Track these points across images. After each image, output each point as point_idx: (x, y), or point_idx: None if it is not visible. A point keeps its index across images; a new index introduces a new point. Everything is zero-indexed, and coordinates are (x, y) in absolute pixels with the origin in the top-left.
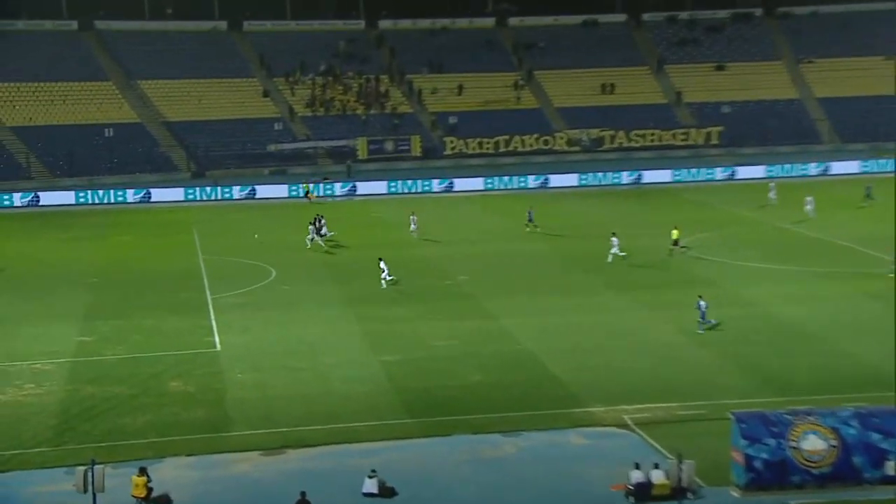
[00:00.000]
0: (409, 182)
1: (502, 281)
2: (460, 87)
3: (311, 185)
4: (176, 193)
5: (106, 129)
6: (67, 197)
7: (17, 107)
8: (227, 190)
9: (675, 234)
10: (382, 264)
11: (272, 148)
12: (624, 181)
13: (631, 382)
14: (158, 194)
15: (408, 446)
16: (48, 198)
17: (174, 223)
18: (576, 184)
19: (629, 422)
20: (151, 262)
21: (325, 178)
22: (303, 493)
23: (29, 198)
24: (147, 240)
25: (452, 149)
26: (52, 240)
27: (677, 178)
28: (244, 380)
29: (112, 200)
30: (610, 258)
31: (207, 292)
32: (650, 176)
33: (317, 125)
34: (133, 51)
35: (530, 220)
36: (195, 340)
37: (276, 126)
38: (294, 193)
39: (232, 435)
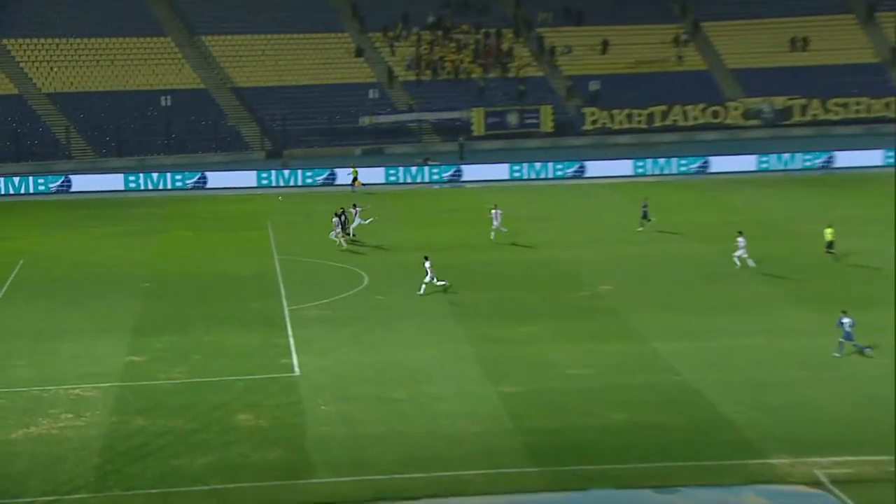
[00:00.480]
0: (538, 166)
1: (652, 292)
2: (604, 44)
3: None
4: (247, 178)
5: (162, 98)
6: (114, 181)
7: (55, 69)
8: (309, 174)
9: (828, 234)
10: (428, 264)
11: (365, 121)
12: (815, 164)
13: (826, 428)
14: (225, 179)
15: (532, 503)
16: (91, 182)
17: (244, 215)
18: (753, 168)
19: (823, 479)
20: (216, 263)
21: (427, 161)
22: None
23: (59, 182)
24: (211, 235)
25: (593, 123)
26: (95, 234)
27: (889, 160)
28: (328, 413)
29: (168, 186)
30: (737, 263)
31: (284, 302)
32: (849, 158)
33: (422, 92)
34: (196, 0)
35: (645, 217)
36: (268, 362)
37: (371, 93)
38: (393, 179)
39: (312, 482)
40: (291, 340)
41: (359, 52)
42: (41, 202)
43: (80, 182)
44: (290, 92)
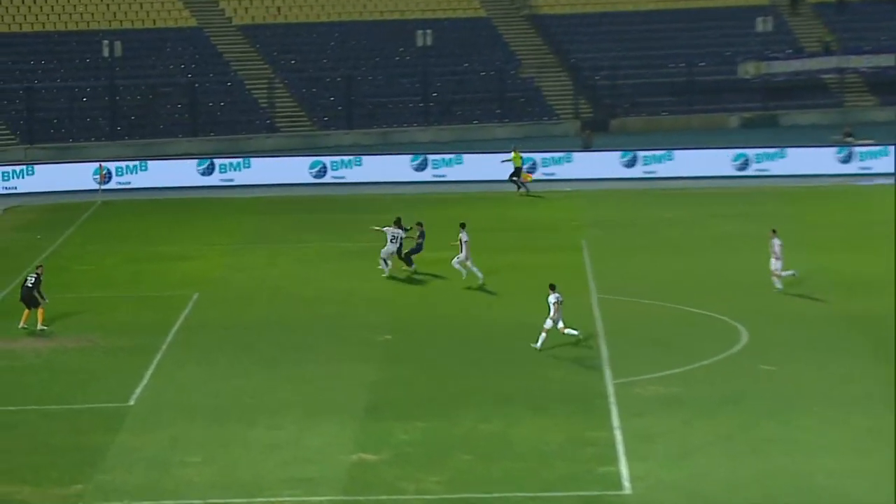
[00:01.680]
0: None
1: None
2: None
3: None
4: (558, 165)
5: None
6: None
7: None
8: (654, 159)
9: None
10: (553, 297)
11: (748, 71)
12: None
13: None
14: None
15: None
16: (295, 169)
17: (545, 225)
18: None
19: None
20: (494, 304)
21: (847, 136)
22: None
23: (252, 168)
24: (490, 258)
25: None
26: (312, 253)
27: None
28: None
29: (429, 177)
30: (776, 283)
31: (606, 371)
32: None
33: (846, 24)
34: None
35: None
36: (580, 471)
37: (760, 25)
38: (786, 168)
39: None
40: (618, 435)
41: None
42: (230, 200)
43: (282, 168)
44: (612, 34)
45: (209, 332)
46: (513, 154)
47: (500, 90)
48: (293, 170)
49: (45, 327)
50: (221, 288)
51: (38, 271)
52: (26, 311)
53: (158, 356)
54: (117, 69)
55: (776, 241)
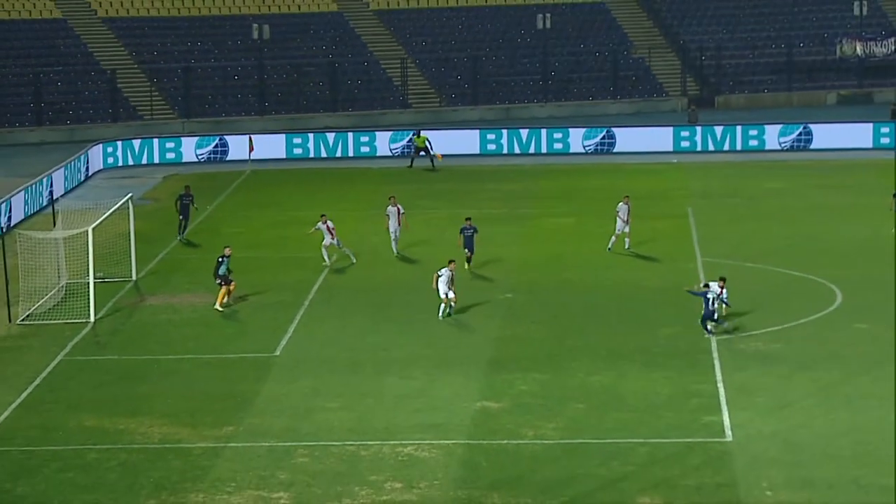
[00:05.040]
0: None
1: None
2: None
3: None
4: (658, 137)
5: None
6: (466, 140)
7: None
8: (754, 132)
9: None
10: (714, 288)
11: (845, 51)
12: None
13: None
14: (632, 138)
15: None
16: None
17: (655, 194)
18: None
19: None
20: (610, 266)
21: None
22: None
23: (394, 142)
24: (602, 225)
25: None
26: (436, 219)
27: None
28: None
29: (544, 149)
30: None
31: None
32: None
33: None
34: None
35: None
36: (685, 420)
37: (856, 8)
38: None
39: None
40: (721, 388)
41: None
42: (364, 170)
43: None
44: (717, 6)
45: (345, 291)
46: (416, 137)
47: (613, 69)
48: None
49: (221, 308)
50: (356, 251)
51: (227, 252)
52: (222, 289)
53: (301, 312)
54: (265, 50)
55: (624, 206)
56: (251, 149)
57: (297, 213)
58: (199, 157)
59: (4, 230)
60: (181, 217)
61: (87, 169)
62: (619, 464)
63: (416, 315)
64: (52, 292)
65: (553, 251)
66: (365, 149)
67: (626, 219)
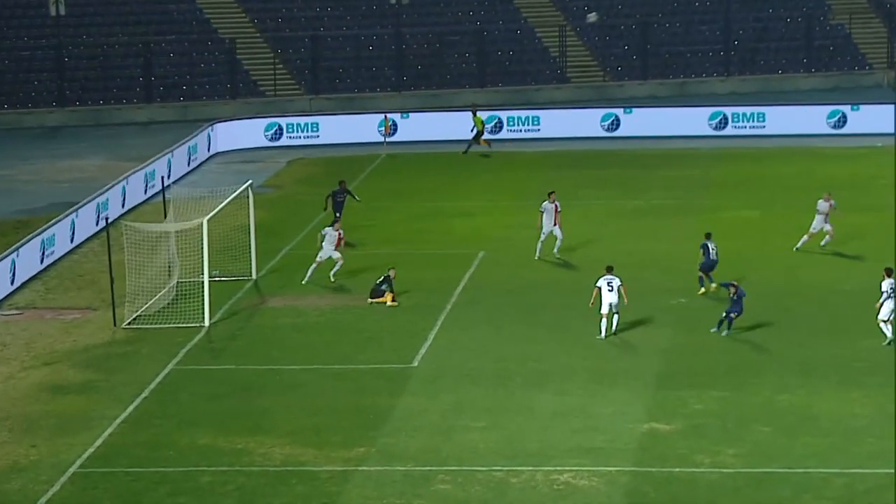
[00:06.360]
0: None
1: None
2: None
3: None
4: (879, 117)
5: None
6: (655, 120)
7: None
8: None
9: None
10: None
11: None
12: None
13: None
14: (817, 116)
15: None
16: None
17: (857, 184)
18: None
19: None
20: (804, 265)
21: None
22: None
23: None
24: (790, 218)
25: None
26: (597, 211)
27: None
28: None
29: (730, 131)
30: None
31: None
32: None
33: None
34: None
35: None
36: (888, 447)
37: None
38: None
39: None
40: None
41: None
42: (515, 154)
43: (572, 121)
44: None
45: (493, 292)
46: (474, 117)
47: (807, 37)
48: (584, 123)
49: (396, 303)
50: (505, 247)
51: (391, 273)
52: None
53: (443, 316)
54: (404, 17)
55: (825, 203)
56: (387, 130)
57: (438, 205)
58: (328, 139)
59: (109, 221)
60: (336, 214)
61: (206, 151)
62: (811, 497)
63: (574, 321)
64: (163, 292)
65: (733, 248)
66: (520, 129)
67: (825, 217)
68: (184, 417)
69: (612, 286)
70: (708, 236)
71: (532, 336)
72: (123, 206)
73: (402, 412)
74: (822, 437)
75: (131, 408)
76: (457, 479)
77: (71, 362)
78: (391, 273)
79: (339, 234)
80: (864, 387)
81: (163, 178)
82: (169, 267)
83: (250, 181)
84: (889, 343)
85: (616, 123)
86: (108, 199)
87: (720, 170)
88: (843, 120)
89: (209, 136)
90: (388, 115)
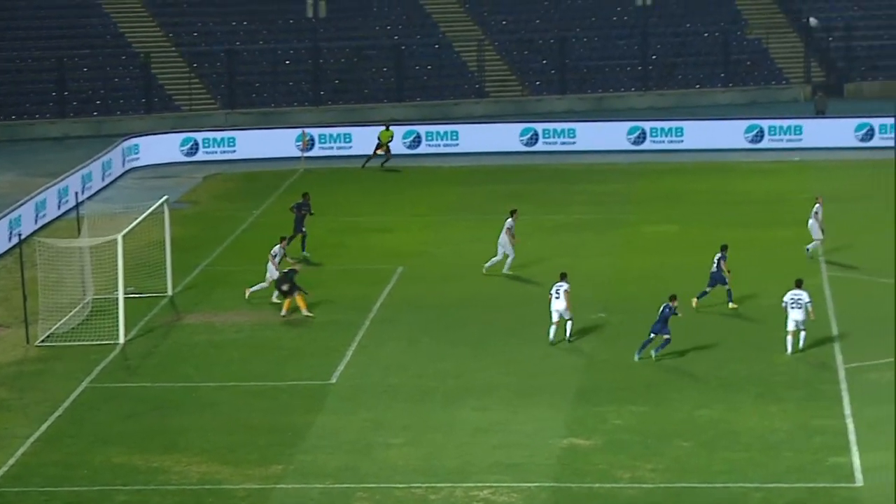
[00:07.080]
0: None
1: None
2: None
3: None
4: (776, 131)
5: None
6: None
7: None
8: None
9: None
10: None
11: None
12: None
13: None
14: (736, 131)
15: None
16: (493, 137)
17: (775, 199)
18: None
19: None
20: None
21: None
22: None
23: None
24: (711, 233)
25: None
26: (520, 226)
27: None
28: None
29: (647, 146)
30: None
31: (837, 355)
32: None
33: None
34: None
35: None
36: (809, 461)
37: None
38: None
39: None
40: (850, 423)
41: None
42: (433, 169)
43: (491, 136)
44: None
45: (412, 308)
46: (384, 131)
47: (724, 52)
48: (503, 138)
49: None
50: (424, 262)
51: (297, 268)
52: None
53: (361, 333)
54: (321, 31)
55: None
56: (305, 144)
57: (356, 220)
58: (244, 154)
59: (22, 238)
60: (301, 231)
61: (121, 166)
62: None
63: (494, 337)
64: (77, 309)
65: (653, 263)
66: (438, 145)
67: (822, 223)
68: (98, 436)
69: (558, 293)
70: (723, 249)
71: (452, 352)
72: (36, 222)
73: (319, 429)
74: (741, 451)
75: (45, 426)
76: (375, 496)
77: None
78: (297, 268)
79: (283, 250)
80: (783, 401)
81: (77, 193)
82: (83, 284)
83: (166, 196)
84: (793, 352)
85: (535, 138)
86: (20, 216)
87: (640, 184)
88: (760, 135)
89: (123, 151)
90: (306, 130)
